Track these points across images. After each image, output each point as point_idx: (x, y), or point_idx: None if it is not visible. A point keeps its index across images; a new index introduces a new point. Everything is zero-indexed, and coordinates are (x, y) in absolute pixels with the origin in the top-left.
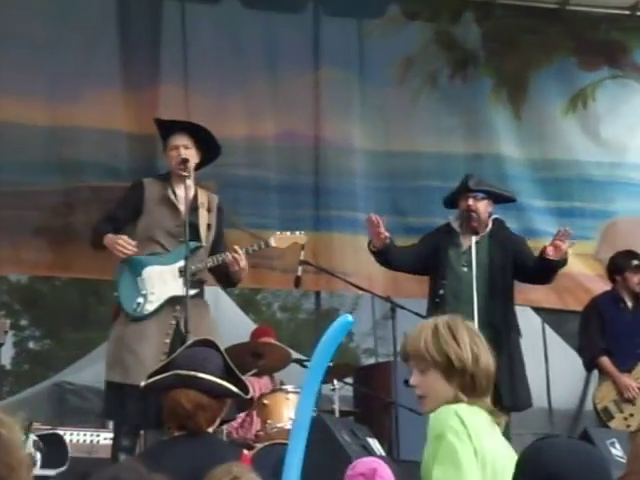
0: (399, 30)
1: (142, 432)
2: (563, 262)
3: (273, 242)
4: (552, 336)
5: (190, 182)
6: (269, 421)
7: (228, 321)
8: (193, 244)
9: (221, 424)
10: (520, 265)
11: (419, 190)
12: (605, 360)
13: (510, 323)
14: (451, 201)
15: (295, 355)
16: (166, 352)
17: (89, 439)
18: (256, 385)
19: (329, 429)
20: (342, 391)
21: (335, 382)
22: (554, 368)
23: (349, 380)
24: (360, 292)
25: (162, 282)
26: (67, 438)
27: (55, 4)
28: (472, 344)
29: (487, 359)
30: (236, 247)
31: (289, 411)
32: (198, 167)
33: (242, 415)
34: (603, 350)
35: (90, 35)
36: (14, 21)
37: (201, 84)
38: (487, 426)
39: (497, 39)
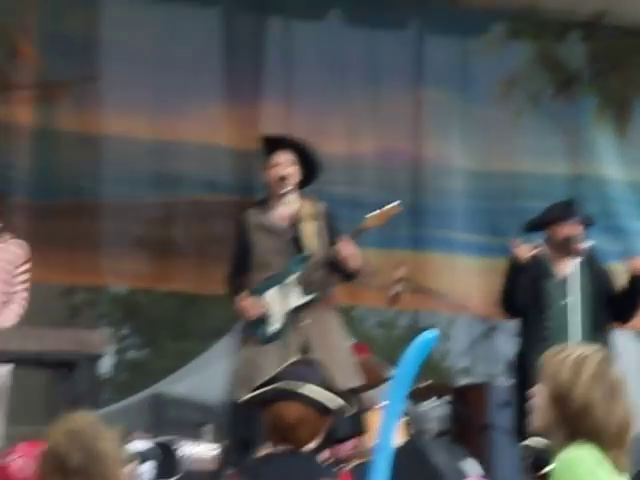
0: (502, 48)
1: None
2: None
3: (368, 222)
4: None
5: (292, 197)
6: (362, 439)
7: None
8: (300, 256)
9: (332, 443)
10: (613, 293)
11: (519, 211)
12: None
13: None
14: (539, 225)
15: (390, 372)
16: None
17: (192, 450)
18: None
19: (423, 453)
20: (438, 410)
21: (432, 400)
22: None
23: (446, 399)
24: (456, 312)
25: (280, 301)
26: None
27: (162, 20)
28: None
29: None
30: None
31: None
32: (302, 185)
33: None
34: None
35: (195, 51)
36: (121, 36)
37: (303, 101)
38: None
39: (602, 59)
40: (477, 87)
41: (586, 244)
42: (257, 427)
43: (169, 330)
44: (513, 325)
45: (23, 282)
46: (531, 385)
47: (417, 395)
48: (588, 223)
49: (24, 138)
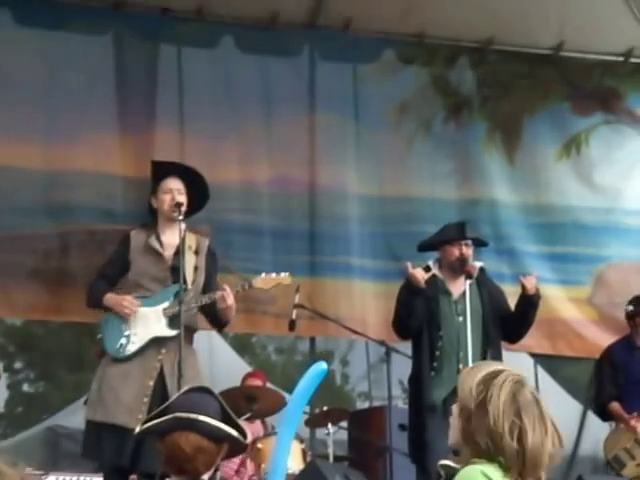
0: (394, 75)
1: (134, 477)
2: (539, 297)
3: (256, 283)
4: (546, 380)
5: (183, 225)
6: (263, 465)
7: (223, 364)
8: (178, 287)
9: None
10: (505, 312)
11: (413, 235)
12: (615, 405)
13: None
14: (432, 246)
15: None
16: (148, 394)
17: None
18: (248, 429)
19: (322, 475)
20: (336, 435)
21: (330, 426)
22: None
23: (344, 424)
24: (354, 336)
25: (145, 323)
26: None
27: (52, 47)
28: None
29: None
30: (225, 285)
31: None
32: (187, 213)
33: (237, 461)
34: (613, 397)
35: (87, 79)
36: (11, 63)
37: (196, 128)
38: None
39: (491, 84)
40: (370, 113)
41: (476, 265)
42: (114, 449)
43: (64, 362)
44: (409, 347)
45: None
46: (424, 406)
47: (315, 421)
48: (480, 244)
49: None
